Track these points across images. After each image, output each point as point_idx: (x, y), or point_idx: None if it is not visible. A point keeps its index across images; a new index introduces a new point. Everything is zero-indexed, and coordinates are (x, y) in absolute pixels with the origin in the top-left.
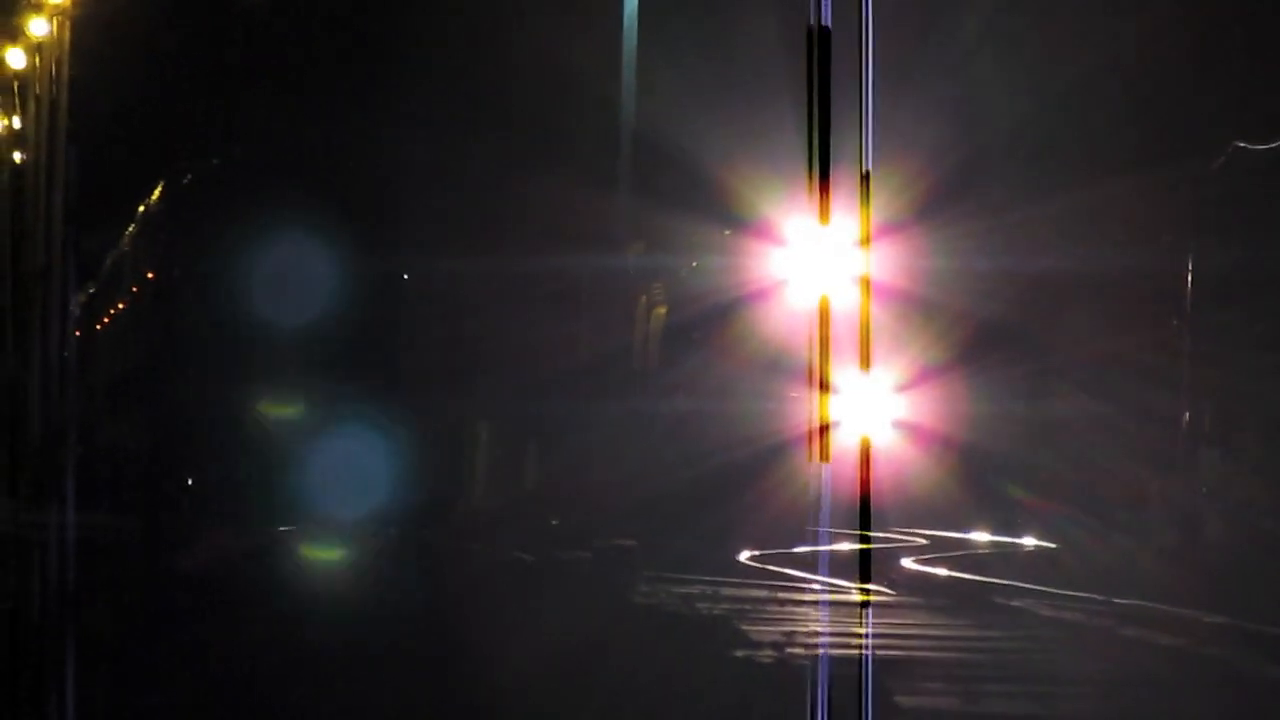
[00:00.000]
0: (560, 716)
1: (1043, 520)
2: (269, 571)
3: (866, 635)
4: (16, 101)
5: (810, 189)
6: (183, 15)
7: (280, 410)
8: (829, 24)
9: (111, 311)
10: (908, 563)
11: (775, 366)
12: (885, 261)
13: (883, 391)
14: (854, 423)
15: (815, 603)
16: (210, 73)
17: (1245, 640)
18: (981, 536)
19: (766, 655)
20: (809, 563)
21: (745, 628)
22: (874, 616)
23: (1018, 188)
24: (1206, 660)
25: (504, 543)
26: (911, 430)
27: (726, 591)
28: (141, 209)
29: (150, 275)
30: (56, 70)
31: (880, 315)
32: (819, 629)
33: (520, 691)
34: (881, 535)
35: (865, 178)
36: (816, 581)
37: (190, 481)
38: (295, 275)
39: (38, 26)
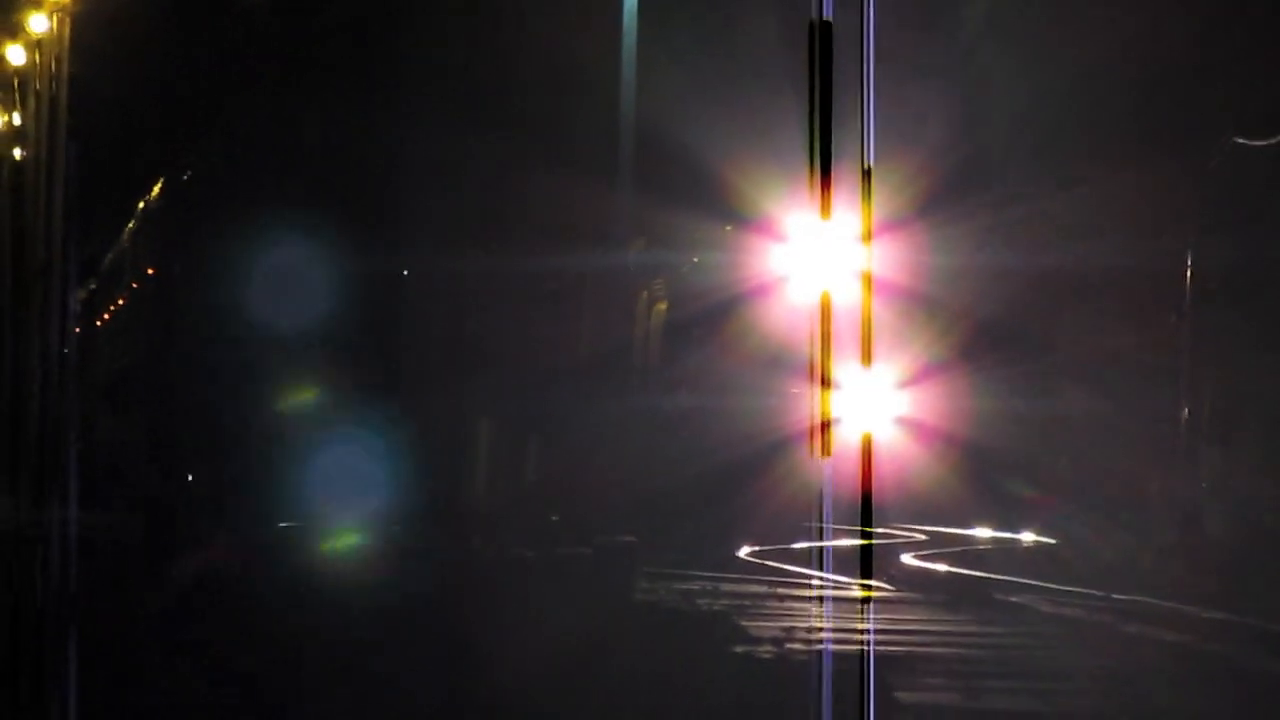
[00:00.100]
0: (559, 712)
1: (1044, 516)
2: (268, 569)
3: (868, 631)
4: (16, 98)
5: (811, 185)
6: (184, 12)
7: (279, 407)
8: (830, 18)
9: (112, 308)
10: (909, 559)
11: (776, 362)
12: (887, 257)
13: (884, 388)
14: (855, 419)
15: (816, 599)
16: (211, 70)
17: (1246, 636)
18: (983, 533)
19: (767, 651)
20: (810, 559)
21: (746, 624)
22: (874, 612)
23: (1020, 184)
24: (1208, 656)
25: (504, 539)
26: (913, 426)
27: (727, 587)
28: (142, 206)
29: (151, 271)
30: (57, 67)
31: (882, 311)
32: (820, 625)
33: (519, 688)
34: (883, 531)
35: (867, 173)
36: (817, 577)
37: (190, 478)
38: (295, 272)
39: (38, 23)
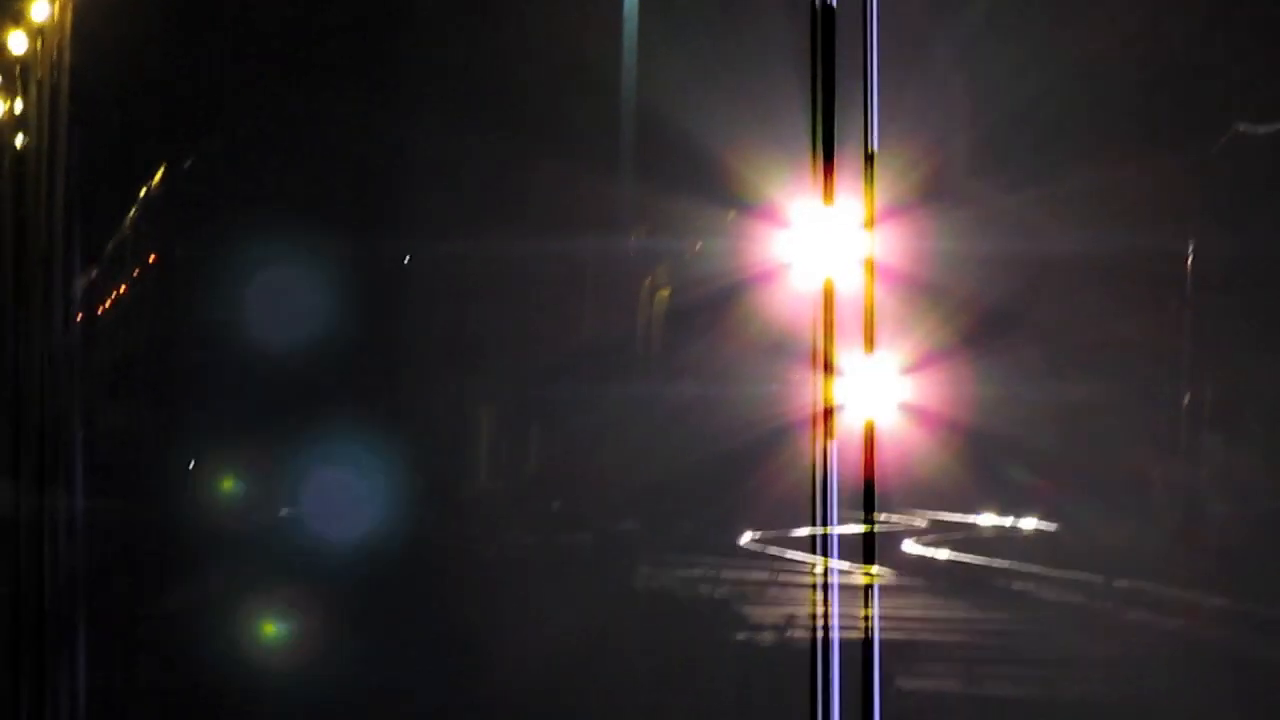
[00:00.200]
0: (559, 700)
1: (1047, 503)
2: (270, 555)
3: (871, 618)
4: (18, 86)
5: (814, 170)
6: (186, 1)
7: (281, 397)
8: (833, 3)
9: (114, 296)
10: (911, 545)
11: (779, 349)
12: (890, 244)
13: (888, 374)
14: (859, 405)
15: (819, 585)
16: (214, 59)
17: (1248, 623)
18: (987, 519)
19: (769, 638)
20: (813, 546)
21: (747, 610)
22: (877, 599)
23: (1024, 171)
24: (1209, 643)
25: (504, 527)
26: (917, 413)
27: (729, 574)
28: (144, 194)
29: (153, 259)
30: (58, 54)
31: (885, 298)
32: (823, 611)
33: (518, 676)
34: (886, 518)
35: (870, 159)
36: (821, 564)
37: (192, 465)
38: (296, 262)
39: (39, 10)
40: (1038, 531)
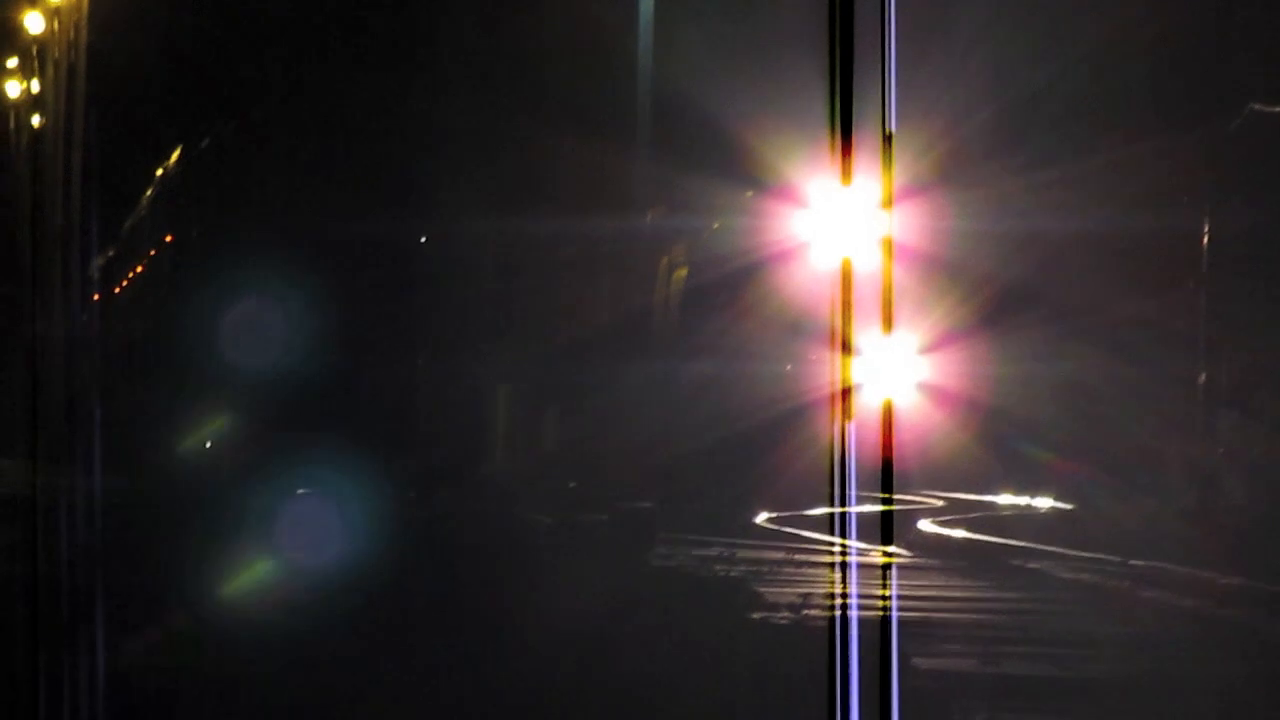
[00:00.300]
0: (576, 679)
1: (1064, 482)
2: (288, 533)
3: (889, 597)
4: (35, 65)
5: (832, 150)
6: None
7: (299, 375)
8: None
9: (131, 275)
10: (928, 525)
11: (797, 329)
12: (908, 223)
13: (905, 354)
14: (876, 385)
15: (837, 565)
16: (231, 36)
17: (1264, 602)
18: (1004, 498)
19: (786, 617)
20: (831, 525)
21: (765, 590)
22: (894, 579)
23: (1041, 151)
24: (1225, 622)
25: (522, 506)
26: (934, 392)
27: (747, 554)
28: (161, 173)
29: (169, 239)
30: (75, 34)
31: (903, 277)
32: (842, 591)
33: (534, 654)
34: (904, 498)
35: (888, 139)
36: (838, 544)
37: (209, 445)
38: (313, 240)
39: None
40: (1054, 511)
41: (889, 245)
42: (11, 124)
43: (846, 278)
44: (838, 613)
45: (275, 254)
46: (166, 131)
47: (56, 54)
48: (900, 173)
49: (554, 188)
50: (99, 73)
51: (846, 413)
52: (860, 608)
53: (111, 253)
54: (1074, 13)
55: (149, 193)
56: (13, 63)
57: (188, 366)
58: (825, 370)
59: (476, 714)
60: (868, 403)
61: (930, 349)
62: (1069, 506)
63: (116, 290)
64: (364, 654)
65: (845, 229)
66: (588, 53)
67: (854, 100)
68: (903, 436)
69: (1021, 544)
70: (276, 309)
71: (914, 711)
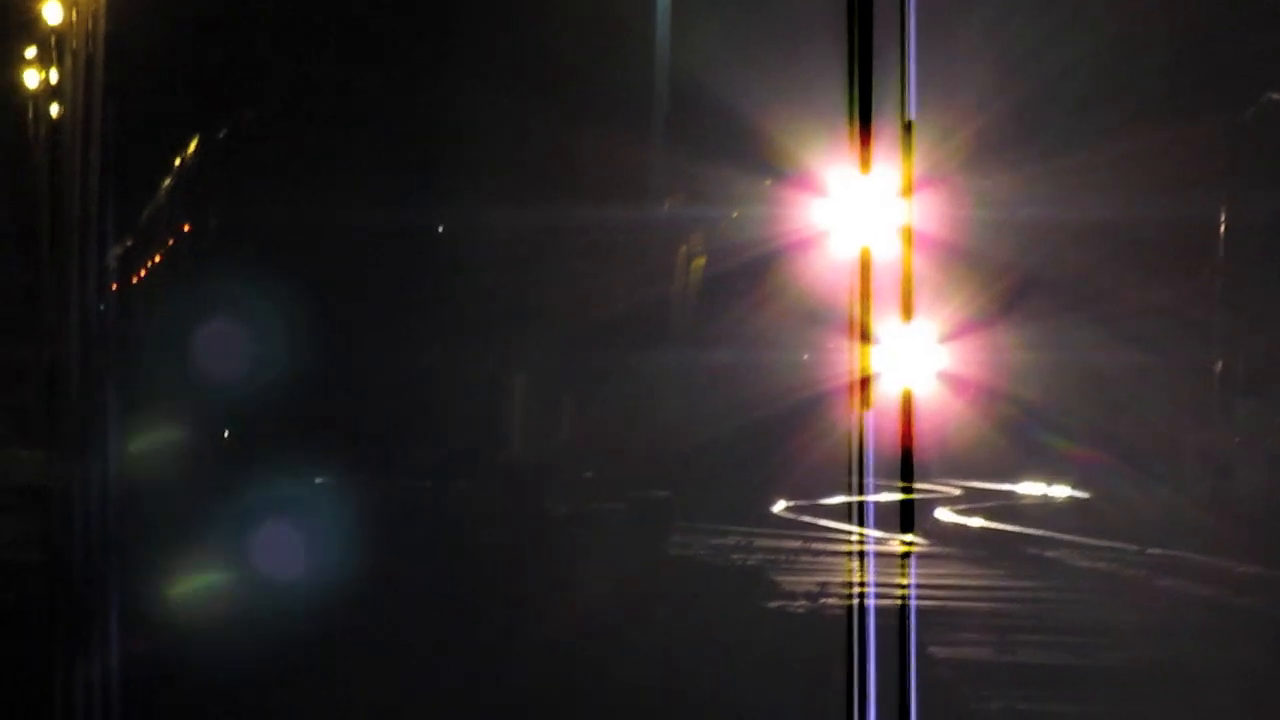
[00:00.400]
0: (593, 665)
1: (1082, 471)
2: (304, 521)
3: (908, 586)
4: (54, 56)
5: (851, 138)
6: None
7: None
8: None
9: (149, 264)
10: (945, 514)
11: (816, 317)
12: (927, 211)
13: (925, 342)
14: (896, 374)
15: (856, 554)
16: (247, 27)
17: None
18: (1024, 487)
19: (804, 605)
20: (850, 514)
21: (783, 578)
22: (913, 567)
23: (1059, 138)
24: (1242, 609)
25: (539, 494)
26: (954, 381)
27: (765, 543)
28: (178, 163)
29: (187, 228)
30: (93, 25)
31: (922, 266)
32: (860, 579)
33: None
34: (923, 486)
35: (908, 127)
36: (857, 533)
37: (226, 434)
38: (331, 228)
39: None
40: (1072, 499)
41: (908, 234)
42: (30, 114)
43: (865, 266)
44: (855, 601)
45: (292, 244)
46: (184, 122)
47: (75, 44)
48: (919, 161)
49: (571, 177)
50: (117, 63)
51: (865, 402)
52: (878, 596)
53: (129, 243)
54: (1091, 2)
55: (167, 183)
56: (31, 53)
57: (205, 356)
58: (844, 359)
59: (492, 700)
60: (887, 391)
61: (950, 338)
62: (1086, 495)
63: (134, 279)
64: (382, 639)
65: (864, 217)
66: (605, 43)
67: (873, 88)
68: (922, 425)
69: (1039, 533)
70: (293, 299)
71: (931, 699)
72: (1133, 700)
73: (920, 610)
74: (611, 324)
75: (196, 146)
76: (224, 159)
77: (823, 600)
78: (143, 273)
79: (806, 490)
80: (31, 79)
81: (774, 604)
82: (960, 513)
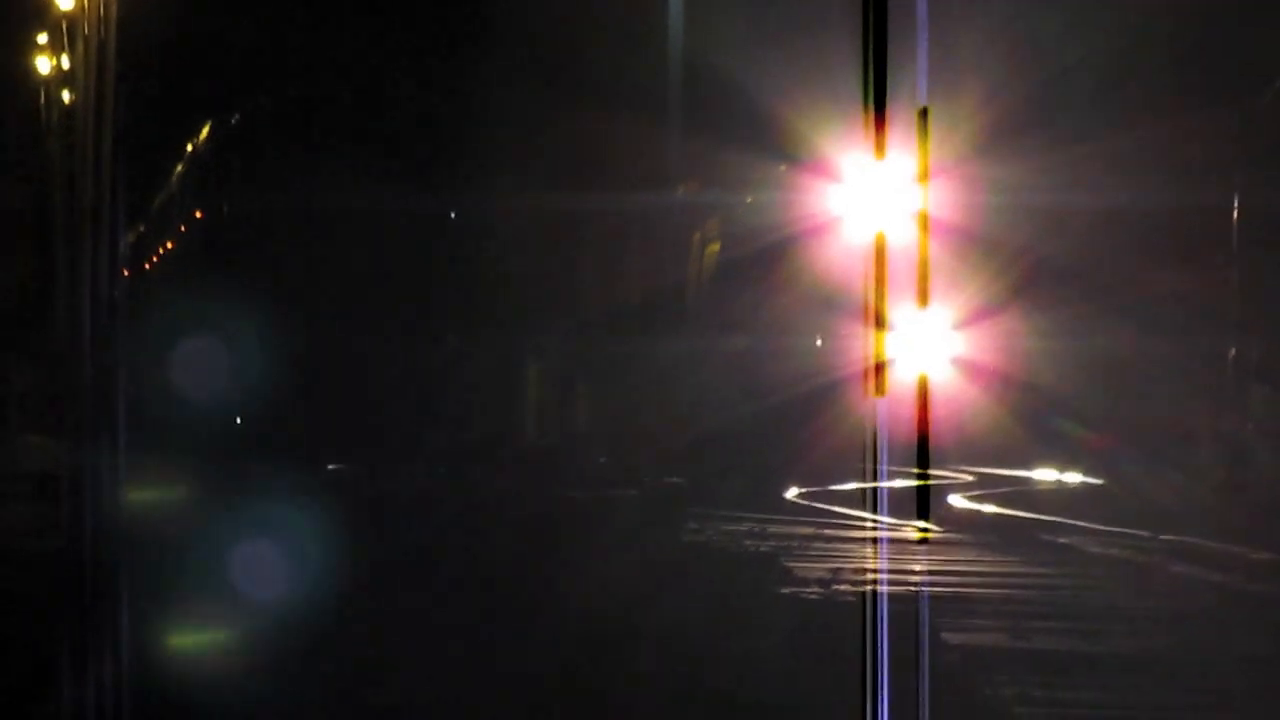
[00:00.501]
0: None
1: (1097, 457)
2: (317, 507)
3: (922, 572)
4: (65, 41)
5: (867, 124)
6: None
7: (328, 349)
8: None
9: (161, 251)
10: (959, 500)
11: (831, 303)
12: (943, 197)
13: (940, 328)
14: (911, 360)
15: (870, 540)
16: (261, 12)
17: None
18: (1038, 473)
19: (819, 591)
20: (864, 500)
21: (798, 565)
22: (926, 554)
23: (1074, 125)
24: (1255, 596)
25: (553, 481)
26: (969, 367)
27: (780, 529)
28: (190, 149)
29: (199, 215)
30: (105, 10)
31: (938, 252)
32: (875, 566)
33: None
34: (938, 473)
35: (923, 113)
36: (871, 519)
37: (239, 420)
38: (343, 215)
39: None
40: (1085, 485)
41: (923, 219)
42: (43, 100)
43: (880, 252)
44: (869, 587)
45: (306, 231)
46: (197, 108)
47: (87, 30)
48: (935, 147)
49: (586, 163)
50: (130, 49)
51: (880, 388)
52: (891, 582)
53: (142, 229)
54: None
55: (179, 169)
56: (44, 39)
57: (218, 342)
58: (859, 345)
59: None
60: (901, 378)
61: (965, 324)
62: (1100, 481)
63: (147, 266)
64: (400, 624)
65: (879, 203)
66: (619, 28)
67: (888, 74)
68: (936, 412)
69: (1053, 519)
70: (308, 285)
71: (944, 685)
72: (1146, 686)
73: (933, 596)
74: (626, 310)
75: (209, 132)
76: (237, 145)
77: (836, 586)
78: (155, 259)
79: (821, 476)
80: (43, 65)
81: (788, 590)
82: (974, 499)
